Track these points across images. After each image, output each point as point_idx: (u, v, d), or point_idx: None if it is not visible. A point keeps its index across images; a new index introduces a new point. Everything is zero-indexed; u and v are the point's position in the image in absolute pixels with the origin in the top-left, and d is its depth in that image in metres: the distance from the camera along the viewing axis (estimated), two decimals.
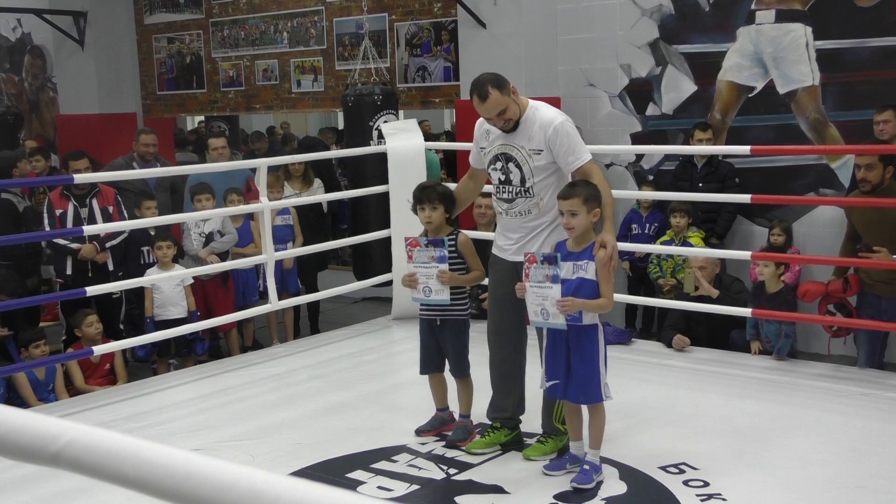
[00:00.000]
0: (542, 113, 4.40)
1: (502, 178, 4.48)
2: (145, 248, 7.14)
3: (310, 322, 8.45)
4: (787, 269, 6.85)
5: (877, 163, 5.53)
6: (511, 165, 4.43)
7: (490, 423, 4.71)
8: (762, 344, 6.20)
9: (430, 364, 4.79)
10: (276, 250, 7.33)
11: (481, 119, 4.53)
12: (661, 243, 7.22)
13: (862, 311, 5.85)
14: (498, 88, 4.31)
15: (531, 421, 4.73)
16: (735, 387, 5.54)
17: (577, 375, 4.12)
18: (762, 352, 6.18)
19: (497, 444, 4.62)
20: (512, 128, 4.39)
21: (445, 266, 4.53)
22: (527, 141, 4.38)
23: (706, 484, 4.12)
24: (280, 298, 7.23)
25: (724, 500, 3.96)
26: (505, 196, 4.49)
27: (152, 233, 7.03)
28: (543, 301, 4.07)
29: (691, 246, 7.03)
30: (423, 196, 4.63)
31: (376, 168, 7.38)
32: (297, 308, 8.18)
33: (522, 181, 4.41)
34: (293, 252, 7.50)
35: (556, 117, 4.38)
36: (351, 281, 7.73)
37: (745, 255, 6.30)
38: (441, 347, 4.74)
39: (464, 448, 4.61)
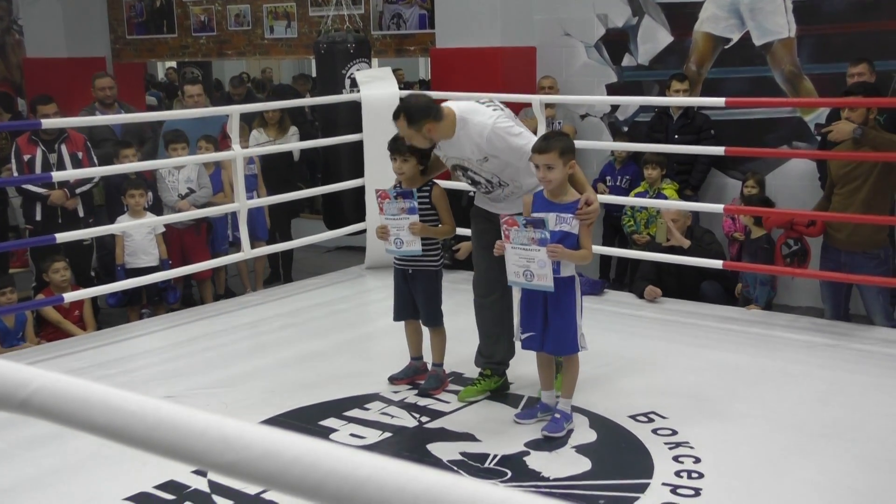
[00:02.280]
0: (470, 128, 4.26)
1: (469, 182, 4.53)
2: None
3: (283, 271, 8.43)
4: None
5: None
6: (471, 174, 4.45)
7: (480, 370, 4.73)
8: (742, 290, 6.34)
9: (404, 311, 4.80)
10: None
11: None
12: (636, 195, 7.23)
13: (823, 264, 5.92)
14: (408, 120, 4.25)
15: (515, 367, 4.78)
16: (704, 338, 5.60)
17: (554, 328, 4.15)
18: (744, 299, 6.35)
19: (487, 391, 4.67)
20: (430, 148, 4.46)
21: (416, 217, 4.53)
22: (470, 153, 4.33)
23: (674, 432, 4.18)
24: (252, 246, 7.23)
25: (691, 447, 4.02)
26: (482, 190, 4.53)
27: (132, 177, 6.92)
28: (528, 263, 4.04)
29: (665, 198, 7.05)
30: (395, 147, 4.59)
31: (349, 116, 7.32)
32: (273, 256, 8.15)
33: (489, 182, 4.44)
34: (265, 200, 7.44)
35: (485, 125, 4.24)
36: (323, 230, 7.70)
37: (718, 208, 6.33)
38: (413, 296, 4.75)
39: (437, 396, 4.64)
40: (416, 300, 4.74)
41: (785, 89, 7.37)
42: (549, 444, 4.10)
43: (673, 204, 6.73)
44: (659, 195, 7.10)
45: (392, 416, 4.44)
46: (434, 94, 8.05)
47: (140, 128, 7.96)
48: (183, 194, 7.17)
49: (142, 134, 7.93)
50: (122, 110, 8.00)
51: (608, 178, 7.80)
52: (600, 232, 7.91)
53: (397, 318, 4.85)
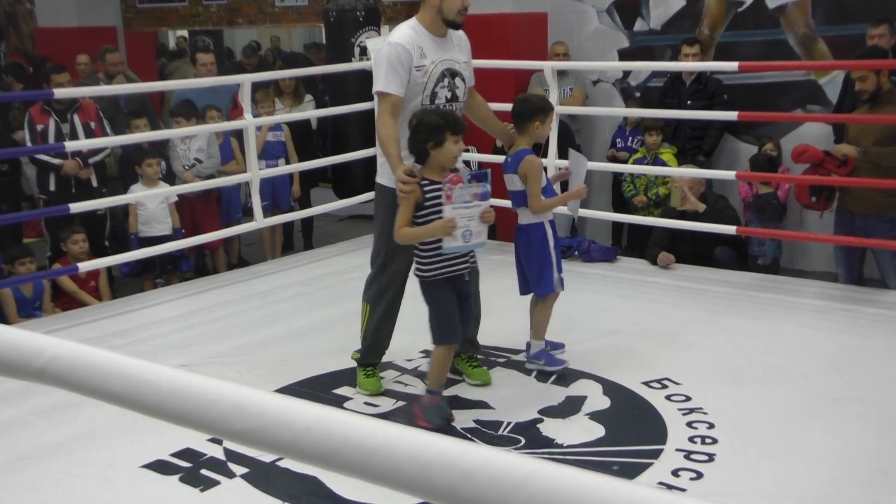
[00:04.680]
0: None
1: (449, 95, 4.23)
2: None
3: (304, 239, 8.47)
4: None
5: (868, 73, 5.51)
6: (458, 80, 4.26)
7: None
8: (749, 249, 6.34)
9: (460, 330, 4.09)
10: (268, 167, 7.34)
11: (405, 38, 4.12)
12: (635, 161, 7.22)
13: (836, 227, 5.87)
14: None
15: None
16: (718, 303, 5.59)
17: (526, 271, 4.42)
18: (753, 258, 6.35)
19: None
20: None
21: (489, 203, 3.91)
22: (459, 54, 4.31)
23: (688, 398, 4.19)
24: (273, 215, 7.28)
25: (705, 413, 4.03)
26: (453, 108, 4.28)
27: (146, 147, 6.95)
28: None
29: (664, 163, 7.04)
30: (461, 128, 3.89)
31: (358, 85, 7.29)
32: (288, 225, 8.17)
33: (463, 95, 4.32)
34: (280, 170, 7.45)
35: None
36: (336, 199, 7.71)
37: (730, 174, 6.30)
38: (463, 305, 4.09)
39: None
40: (469, 305, 4.10)
41: (799, 52, 7.30)
42: (562, 410, 4.12)
43: (687, 171, 6.68)
44: (657, 160, 7.08)
45: (406, 385, 4.45)
46: None
47: (143, 98, 7.98)
48: (190, 165, 7.18)
49: (145, 104, 7.96)
50: (126, 82, 8.02)
51: (618, 139, 7.76)
52: (609, 199, 7.89)
53: (459, 338, 4.10)
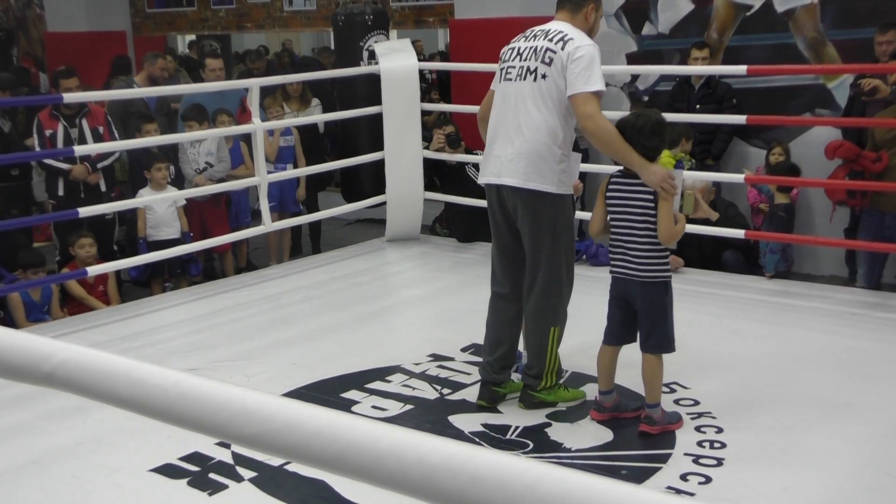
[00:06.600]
0: None
1: None
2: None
3: (311, 242, 8.48)
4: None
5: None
6: None
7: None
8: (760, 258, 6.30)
9: None
10: (277, 170, 7.35)
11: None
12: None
13: (863, 226, 5.81)
14: None
15: None
16: (727, 307, 5.58)
17: None
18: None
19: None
20: None
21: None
22: None
23: (696, 402, 4.18)
24: (281, 218, 7.28)
25: (713, 417, 4.02)
26: None
27: (155, 150, 6.96)
28: None
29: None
30: None
31: (367, 89, 7.29)
32: (296, 228, 8.19)
33: None
34: (288, 174, 7.46)
35: None
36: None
37: (739, 177, 6.29)
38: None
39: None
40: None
41: (808, 56, 7.29)
42: (570, 415, 4.11)
43: (694, 175, 6.66)
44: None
45: (413, 388, 4.45)
46: (454, 66, 8.05)
47: (169, 103, 8.00)
48: (201, 168, 7.19)
49: (170, 109, 7.97)
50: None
51: None
52: None
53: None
